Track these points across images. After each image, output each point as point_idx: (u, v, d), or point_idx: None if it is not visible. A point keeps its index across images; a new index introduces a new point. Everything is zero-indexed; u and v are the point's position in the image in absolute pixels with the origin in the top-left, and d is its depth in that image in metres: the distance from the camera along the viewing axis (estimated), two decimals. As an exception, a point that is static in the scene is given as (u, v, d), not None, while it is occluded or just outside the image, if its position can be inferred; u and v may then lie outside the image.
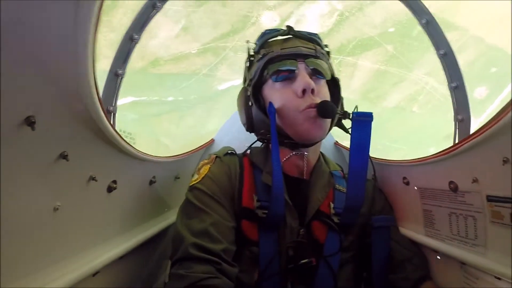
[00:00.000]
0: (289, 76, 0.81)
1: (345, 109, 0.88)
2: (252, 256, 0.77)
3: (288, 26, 0.89)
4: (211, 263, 0.67)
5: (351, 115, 0.80)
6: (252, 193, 0.81)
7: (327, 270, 0.77)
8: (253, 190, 0.81)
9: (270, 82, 0.84)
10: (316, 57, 0.84)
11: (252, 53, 0.91)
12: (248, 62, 0.92)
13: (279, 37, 0.89)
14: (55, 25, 0.42)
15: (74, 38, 0.44)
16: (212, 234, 0.71)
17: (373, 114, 0.78)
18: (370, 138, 0.78)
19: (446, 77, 1.05)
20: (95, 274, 0.74)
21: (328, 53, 0.91)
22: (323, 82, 0.85)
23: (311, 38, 0.88)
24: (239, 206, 0.79)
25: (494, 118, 0.55)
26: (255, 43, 0.90)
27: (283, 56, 0.82)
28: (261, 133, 0.86)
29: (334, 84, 0.90)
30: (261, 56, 0.85)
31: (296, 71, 0.81)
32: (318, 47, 0.86)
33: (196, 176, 0.84)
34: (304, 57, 0.82)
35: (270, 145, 0.89)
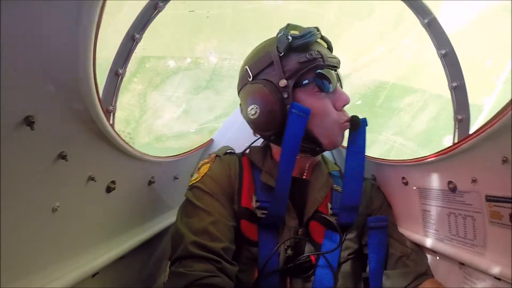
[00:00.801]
0: (329, 87, 0.82)
1: None
2: (251, 256, 0.77)
3: (317, 28, 0.83)
4: (211, 261, 0.67)
5: None
6: (251, 193, 0.81)
7: (326, 268, 0.78)
8: (252, 190, 0.81)
9: (310, 87, 0.79)
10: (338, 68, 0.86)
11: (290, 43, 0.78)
12: (281, 53, 0.78)
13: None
14: (56, 24, 0.42)
15: (74, 37, 0.44)
16: (212, 233, 0.71)
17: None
18: (365, 140, 0.84)
19: (447, 77, 1.06)
20: (94, 275, 0.73)
21: None
22: None
23: (330, 45, 0.87)
24: (239, 206, 0.79)
25: (494, 117, 0.55)
26: (294, 37, 0.77)
27: (329, 66, 0.81)
28: (271, 133, 0.82)
29: None
30: (306, 59, 0.77)
31: (336, 83, 0.84)
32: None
33: (196, 175, 0.83)
34: (336, 68, 0.84)
35: (271, 143, 0.89)
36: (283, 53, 0.78)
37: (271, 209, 0.76)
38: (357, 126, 0.84)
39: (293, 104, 0.76)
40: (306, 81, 0.79)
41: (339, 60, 0.85)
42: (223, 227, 0.74)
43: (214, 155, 0.88)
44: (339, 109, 0.82)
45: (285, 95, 0.78)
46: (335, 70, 0.84)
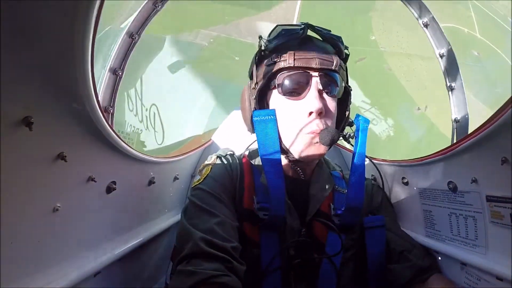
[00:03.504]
0: (298, 91, 0.75)
1: None
2: (254, 257, 0.76)
3: (308, 26, 0.78)
4: (221, 260, 0.66)
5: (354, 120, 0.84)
6: (252, 195, 0.80)
7: (330, 268, 0.77)
8: (253, 191, 0.81)
9: (276, 91, 0.79)
10: (333, 70, 0.76)
11: (263, 48, 0.80)
12: (257, 58, 0.82)
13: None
14: (54, 25, 0.42)
15: (72, 38, 0.44)
16: (218, 233, 0.69)
17: None
18: (364, 140, 0.83)
19: (444, 77, 1.05)
20: (96, 274, 0.74)
21: (347, 56, 0.83)
22: (332, 97, 0.78)
23: (333, 43, 0.80)
24: (241, 208, 0.79)
25: (493, 117, 0.55)
26: (268, 40, 0.79)
27: (296, 67, 0.75)
28: None
29: (344, 91, 0.84)
30: (272, 62, 0.77)
31: (307, 87, 0.75)
32: (336, 59, 0.77)
33: (198, 177, 0.84)
34: (319, 70, 0.75)
35: None
36: (258, 58, 0.82)
37: (271, 210, 0.76)
38: (329, 142, 0.72)
39: (253, 112, 0.79)
40: (272, 85, 0.79)
41: (334, 62, 0.75)
42: (228, 227, 0.73)
43: (215, 156, 0.89)
44: (307, 116, 0.74)
45: (253, 97, 0.81)
46: (319, 72, 0.75)
